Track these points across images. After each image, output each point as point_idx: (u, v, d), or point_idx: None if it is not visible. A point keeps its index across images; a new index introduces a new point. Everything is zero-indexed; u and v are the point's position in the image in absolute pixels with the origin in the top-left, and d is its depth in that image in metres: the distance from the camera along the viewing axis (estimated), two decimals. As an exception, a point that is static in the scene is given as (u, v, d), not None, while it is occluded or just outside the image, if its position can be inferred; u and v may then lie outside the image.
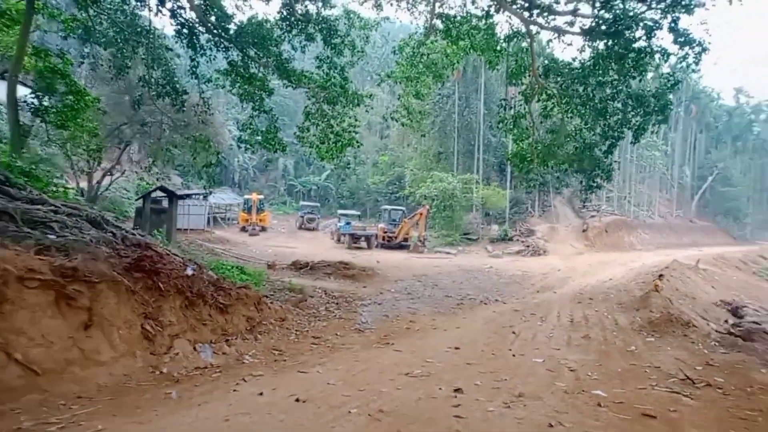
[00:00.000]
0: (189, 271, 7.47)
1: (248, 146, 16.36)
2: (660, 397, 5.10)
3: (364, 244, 31.52)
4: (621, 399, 5.05)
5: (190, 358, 6.38)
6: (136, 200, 23.66)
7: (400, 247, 31.64)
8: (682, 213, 58.39)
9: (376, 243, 31.83)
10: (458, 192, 35.03)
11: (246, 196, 40.80)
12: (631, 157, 45.82)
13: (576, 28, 14.00)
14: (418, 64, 17.04)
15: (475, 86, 40.35)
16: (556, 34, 14.57)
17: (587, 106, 14.81)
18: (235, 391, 5.32)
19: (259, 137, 15.77)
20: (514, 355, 7.39)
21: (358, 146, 17.29)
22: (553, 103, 15.54)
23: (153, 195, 20.73)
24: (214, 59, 14.85)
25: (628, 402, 4.94)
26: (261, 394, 5.15)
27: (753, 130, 73.14)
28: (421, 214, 31.42)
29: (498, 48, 16.01)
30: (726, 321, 11.46)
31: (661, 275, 13.75)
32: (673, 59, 13.42)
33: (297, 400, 4.90)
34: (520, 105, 16.20)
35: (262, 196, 41.28)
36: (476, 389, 5.49)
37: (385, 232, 32.28)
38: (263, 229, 38.19)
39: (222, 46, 14.57)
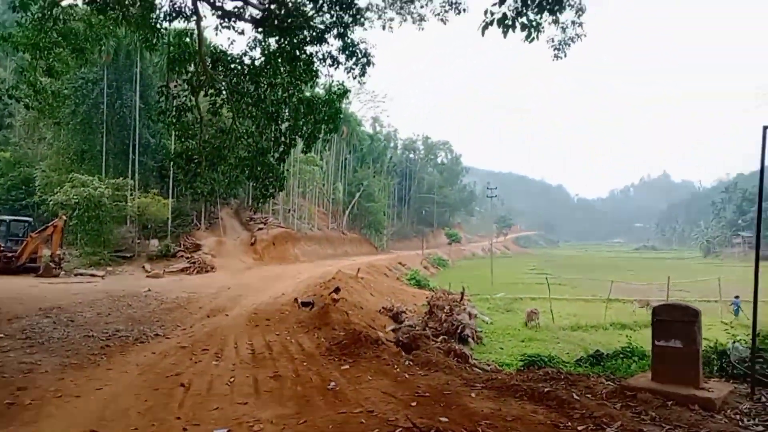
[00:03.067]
0: None
1: None
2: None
3: (-35, 268, 23.53)
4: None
5: None
6: None
7: (26, 270, 24.90)
8: (336, 225, 65.16)
9: (-14, 266, 24.22)
10: (107, 200, 29.45)
11: None
12: (294, 171, 47.93)
13: (248, 16, 12.69)
14: (50, 31, 12.88)
15: (130, 74, 34.69)
16: (225, 20, 12.88)
17: (259, 108, 14.04)
18: None
19: None
20: (185, 429, 5.05)
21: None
22: (222, 99, 13.90)
23: None
24: None
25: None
26: None
27: (387, 155, 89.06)
28: (55, 226, 25.73)
29: (157, 25, 13.20)
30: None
31: (338, 288, 13.44)
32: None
33: None
34: (185, 96, 13.81)
35: None
36: None
37: (2, 251, 24.83)
38: None
39: None
